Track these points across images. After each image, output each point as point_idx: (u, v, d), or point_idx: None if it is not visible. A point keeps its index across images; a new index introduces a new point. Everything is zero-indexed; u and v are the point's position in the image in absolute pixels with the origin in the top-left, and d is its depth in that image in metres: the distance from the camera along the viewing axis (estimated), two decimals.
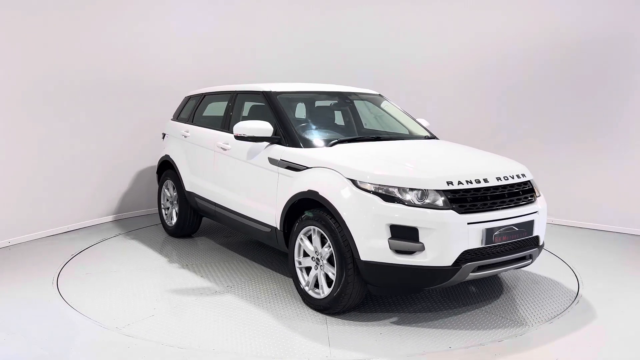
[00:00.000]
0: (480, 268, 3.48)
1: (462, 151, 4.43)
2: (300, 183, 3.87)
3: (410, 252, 3.35)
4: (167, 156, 5.67)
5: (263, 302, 4.01)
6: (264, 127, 4.17)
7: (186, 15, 6.99)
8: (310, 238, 3.86)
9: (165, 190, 5.79)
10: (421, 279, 3.43)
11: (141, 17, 6.43)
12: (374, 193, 3.43)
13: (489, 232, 3.46)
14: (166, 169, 5.79)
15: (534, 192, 3.91)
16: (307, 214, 3.81)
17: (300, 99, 5.00)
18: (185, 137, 5.43)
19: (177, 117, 5.90)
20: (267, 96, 4.61)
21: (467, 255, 3.40)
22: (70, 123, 5.88)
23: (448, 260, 3.34)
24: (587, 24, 6.18)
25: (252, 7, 7.55)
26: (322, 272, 3.76)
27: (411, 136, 4.87)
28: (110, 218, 6.42)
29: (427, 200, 3.39)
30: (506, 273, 4.66)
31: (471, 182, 3.52)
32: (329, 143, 4.17)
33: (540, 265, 4.90)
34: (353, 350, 3.29)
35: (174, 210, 5.69)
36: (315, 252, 3.80)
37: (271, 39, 7.69)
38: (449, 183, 3.45)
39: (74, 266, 4.80)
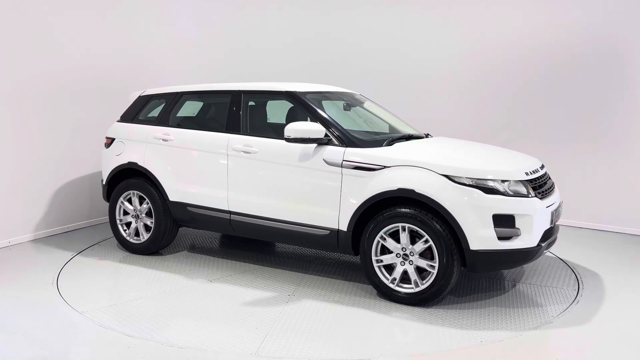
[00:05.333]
0: (547, 246, 3.99)
1: (491, 147, 4.78)
2: (381, 182, 3.92)
3: (508, 238, 3.70)
4: (133, 164, 4.99)
5: (353, 302, 4.03)
6: (317, 129, 4.13)
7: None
8: (392, 236, 3.93)
9: (126, 203, 5.09)
10: (515, 260, 3.85)
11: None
12: (474, 187, 3.71)
13: (554, 215, 4.04)
14: (125, 178, 5.11)
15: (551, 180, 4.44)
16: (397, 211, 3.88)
17: (325, 99, 4.90)
18: (166, 140, 4.91)
19: (133, 118, 5.27)
20: (295, 96, 4.56)
21: (543, 236, 3.89)
22: (69, 123, 5.90)
23: (535, 242, 3.79)
24: (588, 24, 6.18)
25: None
26: (413, 267, 3.87)
27: (421, 134, 4.96)
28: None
29: (515, 190, 3.77)
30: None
31: (533, 172, 4.02)
32: (384, 142, 4.27)
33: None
34: (500, 330, 3.56)
35: (140, 224, 5.05)
36: (402, 248, 3.88)
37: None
38: (526, 174, 3.92)
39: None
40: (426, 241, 3.80)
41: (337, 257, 5.10)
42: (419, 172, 3.84)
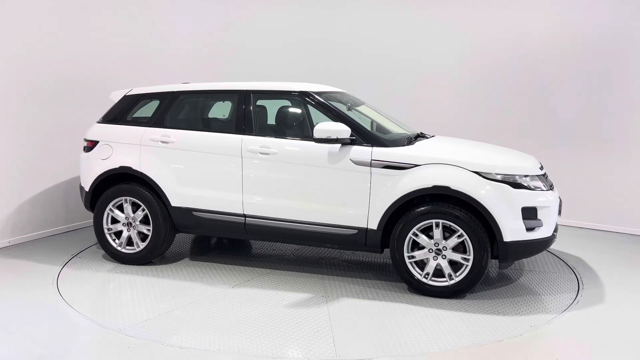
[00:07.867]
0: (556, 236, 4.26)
1: (494, 146, 4.96)
2: (414, 180, 4.02)
3: (532, 229, 3.96)
4: (127, 168, 4.69)
5: (391, 297, 4.10)
6: (343, 129, 4.13)
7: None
8: (423, 232, 4.04)
9: (115, 210, 4.77)
10: (536, 249, 4.12)
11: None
12: (503, 182, 3.94)
13: (560, 207, 4.34)
14: (113, 184, 4.80)
15: None
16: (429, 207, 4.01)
17: (337, 100, 4.80)
18: (166, 142, 4.67)
19: (119, 119, 4.95)
20: (312, 97, 4.52)
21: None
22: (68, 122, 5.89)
23: (551, 231, 4.10)
24: (588, 26, 6.18)
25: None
26: (446, 260, 4.02)
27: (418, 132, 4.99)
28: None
29: (534, 184, 4.05)
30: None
31: (541, 169, 4.32)
32: (407, 141, 4.37)
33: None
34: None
35: (134, 232, 4.75)
36: (435, 244, 4.01)
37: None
38: (540, 168, 4.23)
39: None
40: (459, 235, 3.93)
41: (339, 255, 5.11)
42: (452, 169, 3.99)
